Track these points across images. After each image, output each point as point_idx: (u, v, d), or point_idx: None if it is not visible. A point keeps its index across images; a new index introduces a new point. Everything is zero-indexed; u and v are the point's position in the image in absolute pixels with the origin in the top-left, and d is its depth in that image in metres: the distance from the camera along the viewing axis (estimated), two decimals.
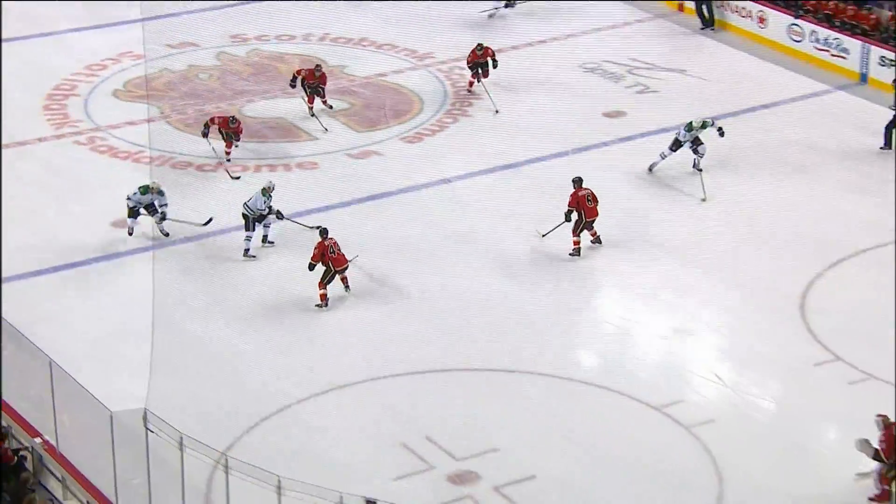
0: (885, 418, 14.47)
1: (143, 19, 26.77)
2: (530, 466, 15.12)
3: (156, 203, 19.34)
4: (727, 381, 16.56)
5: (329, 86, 23.50)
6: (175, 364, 16.95)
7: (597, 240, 19.05)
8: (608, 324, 17.98)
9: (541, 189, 20.94)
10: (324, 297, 18.04)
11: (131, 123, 23.33)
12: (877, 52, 23.58)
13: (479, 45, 23.50)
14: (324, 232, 18.33)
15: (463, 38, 25.77)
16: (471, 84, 23.61)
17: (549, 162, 21.79)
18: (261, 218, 19.32)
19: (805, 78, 24.08)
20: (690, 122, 20.53)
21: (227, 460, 12.98)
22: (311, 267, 18.06)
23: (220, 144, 21.74)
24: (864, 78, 23.77)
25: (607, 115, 23.18)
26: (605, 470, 15.09)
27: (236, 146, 21.65)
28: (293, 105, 23.80)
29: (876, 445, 14.34)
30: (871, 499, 14.28)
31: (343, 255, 18.13)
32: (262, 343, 17.51)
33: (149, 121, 23.43)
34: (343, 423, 15.99)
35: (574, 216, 18.88)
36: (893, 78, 21.73)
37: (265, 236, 19.48)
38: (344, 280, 18.25)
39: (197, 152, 22.30)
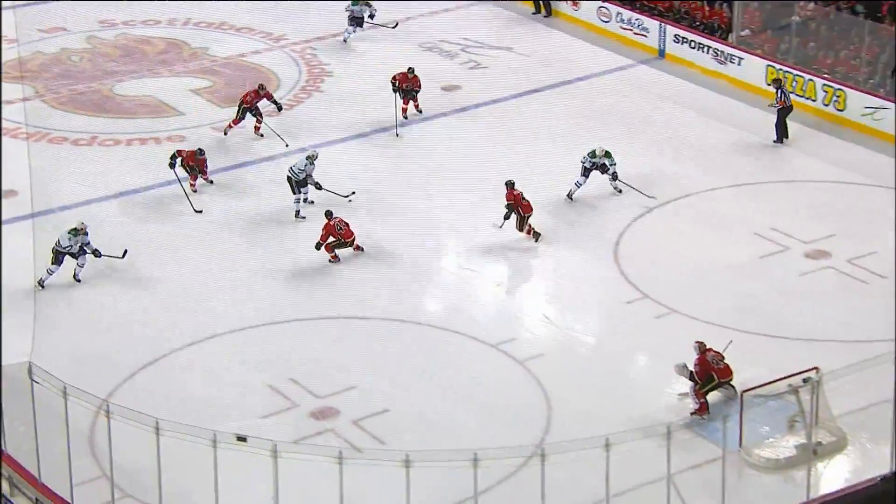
0: (701, 344, 14.86)
1: (14, 6, 25.76)
2: (385, 401, 15.16)
3: (82, 244, 17.24)
4: (554, 320, 16.83)
5: (192, 65, 23.00)
6: (57, 320, 16.53)
7: (534, 235, 18.19)
8: (451, 273, 18.06)
9: (388, 155, 20.92)
10: (335, 257, 17.74)
11: (8, 102, 22.41)
12: (672, 30, 24.08)
13: (410, 68, 21.34)
14: (328, 213, 17.80)
15: (314, 21, 25.48)
16: (404, 110, 21.42)
17: (394, 132, 21.74)
18: (303, 182, 18.72)
19: (613, 54, 24.44)
20: (594, 150, 19.05)
21: (108, 406, 12.67)
22: (318, 246, 17.62)
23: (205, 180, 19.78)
24: (661, 53, 24.23)
25: (445, 88, 23.22)
26: (450, 401, 15.20)
27: (206, 181, 19.54)
28: (160, 83, 23.27)
29: (692, 368, 14.77)
30: (692, 413, 14.71)
31: (350, 230, 17.68)
32: (140, 299, 17.17)
33: (24, 100, 22.61)
34: (216, 368, 15.79)
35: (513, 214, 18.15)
36: (773, 79, 21.15)
37: (306, 198, 18.91)
38: (357, 247, 17.88)
39: (71, 128, 21.65)
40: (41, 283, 17.24)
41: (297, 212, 18.92)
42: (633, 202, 19.36)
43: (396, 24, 23.57)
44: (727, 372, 14.69)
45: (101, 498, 13.03)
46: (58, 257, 17.19)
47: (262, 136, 20.73)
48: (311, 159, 18.98)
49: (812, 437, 13.64)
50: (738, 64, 22.87)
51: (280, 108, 20.99)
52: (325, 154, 21.02)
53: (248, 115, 20.80)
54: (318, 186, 18.96)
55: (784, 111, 20.73)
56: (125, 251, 17.74)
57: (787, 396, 14.04)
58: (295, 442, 14.14)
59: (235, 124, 20.69)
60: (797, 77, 21.97)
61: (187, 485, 13.01)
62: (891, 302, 16.69)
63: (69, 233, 17.25)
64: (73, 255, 17.27)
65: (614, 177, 19.11)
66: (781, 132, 20.36)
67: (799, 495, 12.90)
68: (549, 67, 23.85)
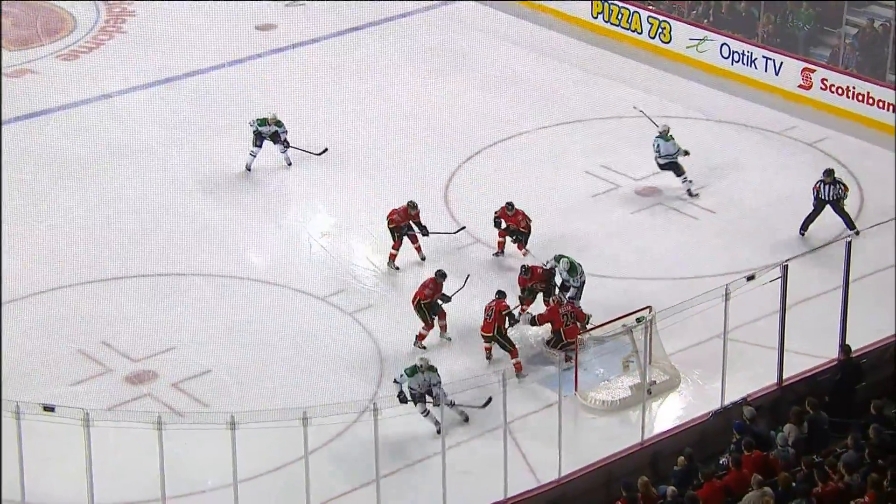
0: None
1: None
2: (206, 361, 14.97)
3: (431, 383, 13.77)
4: (383, 269, 16.83)
5: None
6: None
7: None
8: (279, 227, 17.81)
9: (201, 101, 20.49)
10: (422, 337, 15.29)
11: None
12: None
13: (509, 204, 16.80)
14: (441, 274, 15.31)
15: None
16: (500, 245, 16.97)
17: (207, 74, 21.26)
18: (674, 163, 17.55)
19: None
20: (571, 262, 15.59)
21: None
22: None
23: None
24: None
25: (259, 28, 22.79)
26: (277, 358, 15.10)
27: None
28: None
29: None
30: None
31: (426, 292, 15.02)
32: None
33: None
34: (20, 334, 15.30)
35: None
36: (826, 170, 17.02)
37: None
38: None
39: None
40: (433, 421, 13.78)
41: (691, 187, 17.92)
42: (455, 147, 19.43)
43: (325, 150, 18.78)
44: (574, 332, 14.66)
45: None
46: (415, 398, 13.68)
47: (423, 259, 16.84)
48: (665, 133, 17.74)
49: (646, 377, 14.10)
50: None
51: (426, 234, 16.85)
52: (129, 101, 20.48)
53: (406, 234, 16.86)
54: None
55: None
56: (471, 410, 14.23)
57: (620, 337, 14.45)
58: (109, 409, 13.87)
59: (396, 250, 16.77)
60: (622, 9, 22.44)
61: None
62: (720, 237, 17.37)
63: (406, 371, 13.68)
64: (418, 399, 13.64)
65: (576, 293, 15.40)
66: (848, 219, 16.89)
67: (634, 436, 13.34)
68: (370, 3, 23.65)
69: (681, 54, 21.69)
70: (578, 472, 12.90)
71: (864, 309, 14.64)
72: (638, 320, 14.22)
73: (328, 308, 15.94)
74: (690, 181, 18.05)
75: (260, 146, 18.52)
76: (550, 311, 14.96)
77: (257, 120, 18.53)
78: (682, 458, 12.25)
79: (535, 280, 15.57)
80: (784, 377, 13.80)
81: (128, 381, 14.66)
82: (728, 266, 16.16)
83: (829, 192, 16.60)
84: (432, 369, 13.70)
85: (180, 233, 17.35)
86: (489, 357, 14.95)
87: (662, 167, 18.09)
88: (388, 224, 16.73)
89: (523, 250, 16.73)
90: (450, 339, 15.36)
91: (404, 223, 16.73)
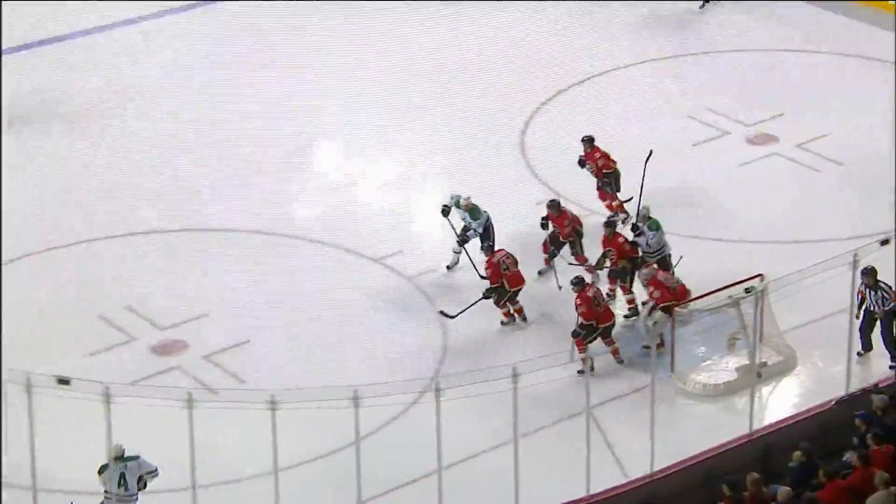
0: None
1: None
2: (244, 330, 15.07)
3: None
4: (449, 226, 16.76)
5: None
6: None
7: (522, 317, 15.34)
8: (327, 176, 17.91)
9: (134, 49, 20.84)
10: (508, 315, 15.18)
11: None
12: None
13: (587, 138, 16.52)
14: (488, 248, 15.50)
15: None
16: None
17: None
18: None
19: None
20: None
21: None
22: (488, 294, 14.94)
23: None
24: None
25: None
26: (325, 328, 15.14)
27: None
28: None
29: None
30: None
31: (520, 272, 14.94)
32: None
33: None
34: (33, 298, 15.54)
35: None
36: (865, 269, 13.95)
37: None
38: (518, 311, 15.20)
39: None
40: None
41: None
42: (533, 86, 19.12)
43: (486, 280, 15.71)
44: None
45: None
46: None
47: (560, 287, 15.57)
48: None
49: (756, 358, 13.88)
50: None
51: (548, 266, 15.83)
52: None
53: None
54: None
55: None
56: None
57: (726, 310, 14.27)
58: (132, 383, 13.97)
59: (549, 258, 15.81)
60: None
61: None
62: (847, 193, 17.10)
63: None
64: None
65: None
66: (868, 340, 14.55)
67: (741, 426, 13.15)
68: None
69: None
70: (674, 466, 12.74)
71: None
72: (747, 290, 13.98)
73: (384, 271, 15.94)
74: None
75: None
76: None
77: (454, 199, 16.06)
78: (797, 452, 12.07)
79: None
80: None
81: (154, 351, 14.81)
82: (857, 228, 15.98)
83: (878, 301, 14.17)
84: None
85: (208, 183, 17.49)
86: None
87: None
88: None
89: (617, 202, 16.41)
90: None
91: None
